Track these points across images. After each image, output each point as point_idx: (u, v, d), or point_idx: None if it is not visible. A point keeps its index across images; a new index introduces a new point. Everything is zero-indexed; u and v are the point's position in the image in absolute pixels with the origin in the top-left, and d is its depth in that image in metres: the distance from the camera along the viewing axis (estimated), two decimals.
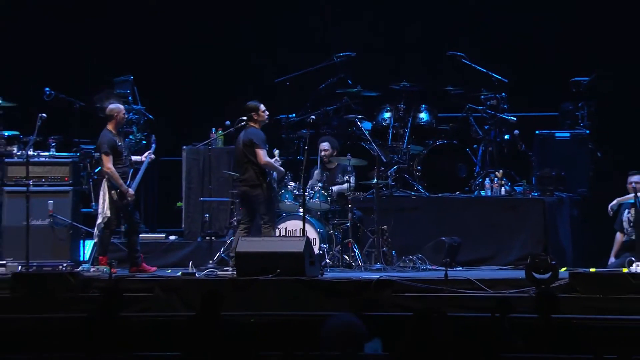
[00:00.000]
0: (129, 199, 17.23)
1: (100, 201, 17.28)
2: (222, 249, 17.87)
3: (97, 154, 17.96)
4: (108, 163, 17.14)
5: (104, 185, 17.25)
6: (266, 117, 17.40)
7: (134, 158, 17.69)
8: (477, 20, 20.45)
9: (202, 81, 20.98)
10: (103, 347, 12.11)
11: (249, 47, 21.08)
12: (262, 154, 17.17)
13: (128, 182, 17.34)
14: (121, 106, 17.62)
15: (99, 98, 18.49)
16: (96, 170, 18.47)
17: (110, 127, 17.32)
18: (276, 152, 17.42)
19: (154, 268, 17.59)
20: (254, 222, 17.43)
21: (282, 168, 17.47)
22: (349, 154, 18.50)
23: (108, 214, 17.18)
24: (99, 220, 17.21)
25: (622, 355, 11.52)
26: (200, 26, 21.20)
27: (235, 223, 18.18)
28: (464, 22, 20.53)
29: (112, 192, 17.19)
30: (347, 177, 18.39)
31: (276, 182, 17.64)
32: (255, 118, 17.31)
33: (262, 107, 17.36)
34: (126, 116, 17.76)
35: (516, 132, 19.12)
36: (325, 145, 18.74)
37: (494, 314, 12.71)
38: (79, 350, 12.26)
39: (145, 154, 17.82)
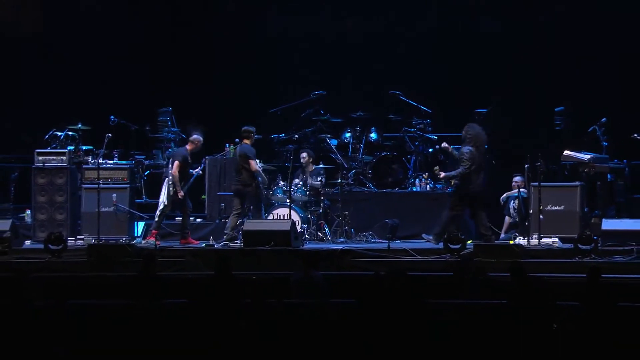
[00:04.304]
0: (180, 196, 17.29)
1: (162, 193, 17.41)
2: None
3: (168, 160, 17.97)
4: (176, 170, 17.27)
5: (166, 183, 17.36)
6: (255, 138, 17.62)
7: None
8: (410, 69, 20.43)
9: (220, 111, 20.89)
10: (146, 296, 12.17)
11: (255, 87, 21.03)
12: (253, 163, 17.28)
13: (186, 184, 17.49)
14: (201, 138, 17.72)
15: (191, 127, 18.44)
16: (169, 171, 18.33)
17: (189, 147, 17.55)
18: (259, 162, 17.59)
19: (197, 242, 17.60)
20: (243, 210, 17.49)
21: (264, 174, 17.59)
22: (321, 162, 18.68)
23: (166, 202, 17.28)
24: (161, 207, 17.33)
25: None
26: (220, 75, 21.21)
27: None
28: (401, 70, 20.50)
29: (170, 188, 17.30)
30: (319, 178, 18.49)
31: (262, 184, 17.67)
32: (249, 138, 17.45)
33: (254, 130, 17.62)
34: (200, 144, 17.76)
35: (437, 146, 19.13)
36: (304, 155, 18.79)
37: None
38: (133, 298, 12.33)
39: (197, 169, 17.86)
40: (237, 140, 18.82)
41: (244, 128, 17.62)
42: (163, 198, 17.38)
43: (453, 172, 16.94)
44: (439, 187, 18.86)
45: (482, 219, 16.80)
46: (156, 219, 17.40)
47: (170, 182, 17.31)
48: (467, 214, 17.26)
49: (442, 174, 17.11)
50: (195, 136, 17.68)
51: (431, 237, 16.85)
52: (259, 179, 17.48)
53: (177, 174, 17.23)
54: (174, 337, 11.23)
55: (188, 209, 17.69)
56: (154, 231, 17.31)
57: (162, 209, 17.37)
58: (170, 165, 17.46)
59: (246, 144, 17.46)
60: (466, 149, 16.76)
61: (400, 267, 13.60)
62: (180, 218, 17.86)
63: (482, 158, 16.89)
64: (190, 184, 17.72)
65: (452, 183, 17.19)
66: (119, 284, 13.68)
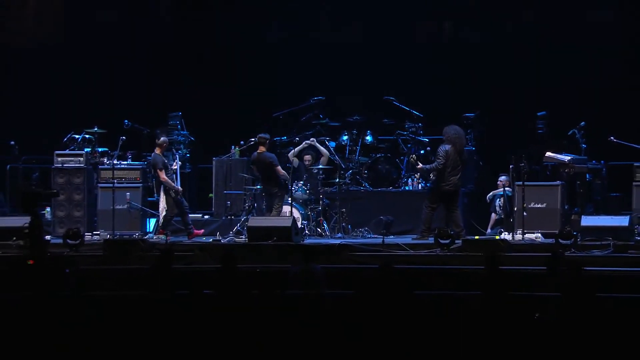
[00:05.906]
0: (180, 194, 17.39)
1: (161, 200, 17.49)
2: (238, 224, 17.88)
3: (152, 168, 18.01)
4: (163, 175, 17.34)
5: (161, 189, 17.43)
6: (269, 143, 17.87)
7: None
8: (403, 76, 20.47)
9: (226, 115, 20.95)
10: (160, 288, 12.20)
11: (258, 92, 21.09)
12: (279, 169, 17.51)
13: (175, 182, 17.54)
14: (167, 138, 17.88)
15: (160, 131, 18.54)
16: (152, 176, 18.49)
17: (158, 151, 17.58)
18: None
19: (202, 231, 17.79)
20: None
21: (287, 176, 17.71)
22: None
23: (167, 208, 17.39)
24: (164, 214, 17.43)
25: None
26: (225, 81, 21.28)
27: (247, 208, 18.31)
28: (395, 76, 20.54)
29: (171, 191, 17.36)
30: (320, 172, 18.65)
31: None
32: (265, 144, 17.63)
33: (269, 137, 17.86)
34: (167, 144, 17.91)
35: (428, 148, 19.16)
36: (308, 156, 18.91)
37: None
38: (146, 289, 12.36)
39: (172, 165, 17.91)
40: (242, 142, 18.97)
41: (259, 135, 17.74)
42: (163, 204, 17.47)
43: (428, 166, 17.14)
44: (430, 186, 18.90)
45: (456, 218, 16.89)
46: (161, 223, 17.53)
47: (165, 188, 17.41)
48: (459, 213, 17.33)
49: (420, 165, 17.25)
50: (162, 139, 17.79)
51: (418, 236, 16.99)
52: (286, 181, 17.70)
53: (166, 178, 17.36)
54: (184, 326, 11.28)
55: (185, 206, 17.71)
56: (161, 230, 17.39)
57: (165, 215, 17.47)
58: (155, 174, 17.51)
59: (264, 151, 17.58)
60: (442, 147, 16.95)
61: (389, 261, 13.68)
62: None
63: (459, 159, 16.98)
64: (178, 179, 17.80)
65: (431, 177, 17.32)
66: (134, 276, 13.75)
